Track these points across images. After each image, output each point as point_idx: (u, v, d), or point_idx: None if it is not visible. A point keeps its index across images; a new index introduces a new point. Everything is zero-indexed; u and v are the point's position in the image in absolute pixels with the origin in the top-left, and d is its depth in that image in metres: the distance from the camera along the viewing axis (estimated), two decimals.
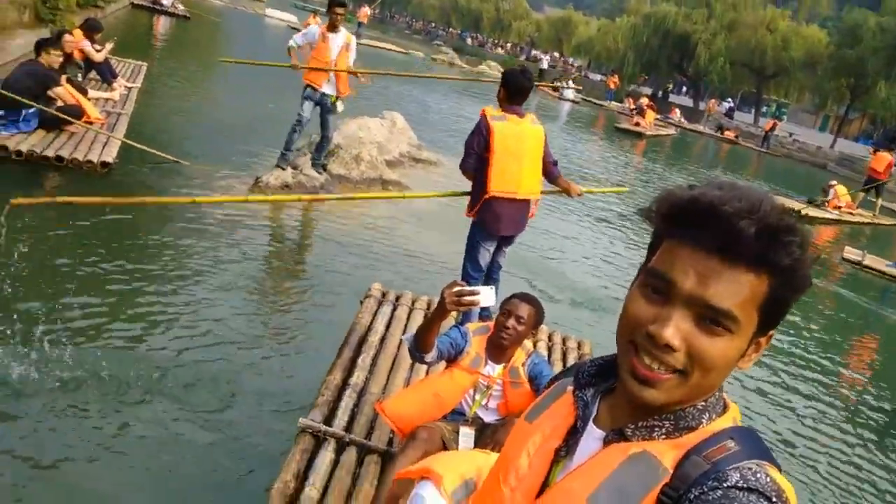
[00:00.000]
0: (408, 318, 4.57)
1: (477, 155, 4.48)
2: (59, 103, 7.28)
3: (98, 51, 9.52)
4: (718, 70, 39.70)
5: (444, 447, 2.81)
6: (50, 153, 6.66)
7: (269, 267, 6.06)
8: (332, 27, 7.62)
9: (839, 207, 16.39)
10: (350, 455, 3.08)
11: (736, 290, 0.91)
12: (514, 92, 4.54)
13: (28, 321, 3.98)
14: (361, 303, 4.63)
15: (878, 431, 5.82)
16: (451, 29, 76.87)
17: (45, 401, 3.50)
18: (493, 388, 3.07)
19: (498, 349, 3.08)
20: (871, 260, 11.68)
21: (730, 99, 42.60)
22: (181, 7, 25.42)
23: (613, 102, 36.20)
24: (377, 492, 2.80)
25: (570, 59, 59.75)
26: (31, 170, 6.49)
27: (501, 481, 1.11)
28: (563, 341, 4.70)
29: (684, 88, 49.83)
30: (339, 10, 7.64)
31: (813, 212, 15.69)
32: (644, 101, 30.29)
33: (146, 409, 3.65)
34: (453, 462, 2.09)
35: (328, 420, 3.26)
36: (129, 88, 9.89)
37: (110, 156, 6.98)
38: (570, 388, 1.13)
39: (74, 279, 4.73)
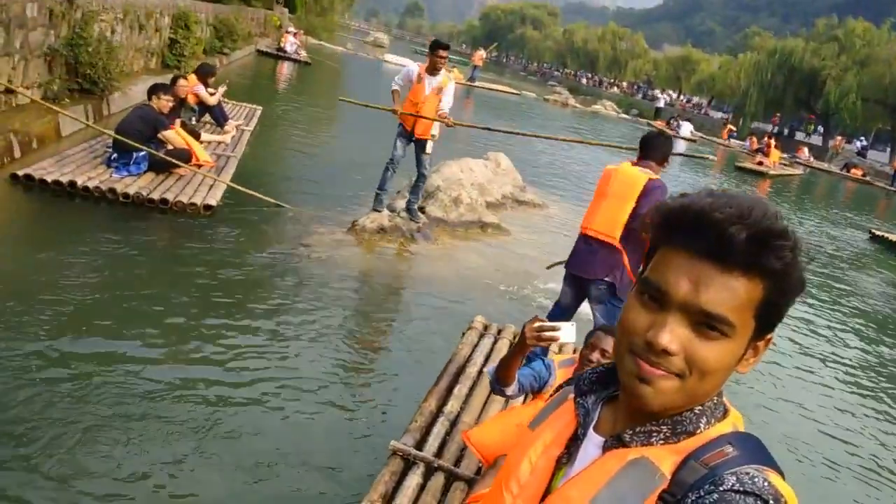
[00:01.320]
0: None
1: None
2: (169, 147, 7.54)
3: (211, 94, 9.89)
4: (849, 107, 37.52)
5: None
6: (156, 196, 6.86)
7: (370, 302, 6.09)
8: (432, 69, 7.50)
9: None
10: (438, 480, 3.14)
11: (730, 295, 0.92)
12: (644, 149, 4.42)
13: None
14: (463, 335, 4.77)
15: None
16: (566, 70, 76.82)
17: (133, 421, 3.62)
18: None
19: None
20: None
21: (862, 137, 40.08)
22: (304, 54, 26.54)
23: (734, 141, 34.77)
24: None
25: (688, 98, 58.24)
26: (136, 212, 6.70)
27: (504, 488, 1.13)
28: None
29: (814, 127, 47.42)
30: (442, 54, 7.42)
31: None
32: (770, 139, 28.92)
33: (243, 422, 3.85)
34: None
35: (419, 445, 3.35)
36: (242, 131, 10.21)
37: (214, 199, 7.13)
38: (572, 395, 1.14)
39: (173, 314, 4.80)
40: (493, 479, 2.56)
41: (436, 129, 7.62)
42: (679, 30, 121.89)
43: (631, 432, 1.00)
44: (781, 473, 0.94)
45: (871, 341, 8.34)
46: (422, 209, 8.28)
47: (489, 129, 9.94)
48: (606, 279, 4.27)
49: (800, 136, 42.99)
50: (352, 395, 4.45)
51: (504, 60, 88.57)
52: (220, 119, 9.98)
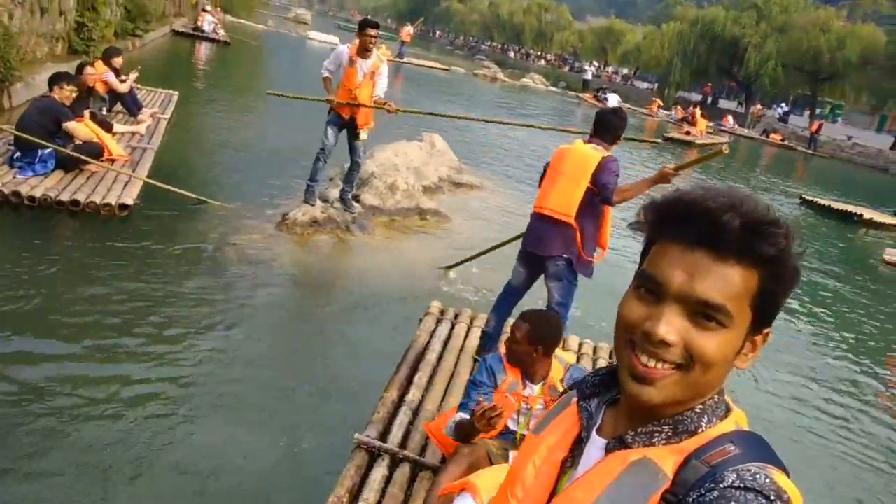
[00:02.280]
0: (466, 336, 4.68)
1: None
2: (78, 141, 6.91)
3: (122, 81, 9.20)
4: (770, 73, 38.42)
5: (491, 463, 2.79)
6: (65, 197, 6.26)
7: (308, 300, 5.76)
8: (363, 51, 7.04)
9: None
10: (403, 471, 3.16)
11: (725, 283, 0.92)
12: (599, 128, 4.37)
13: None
14: (420, 321, 4.79)
15: None
16: (493, 43, 76.61)
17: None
18: (534, 409, 3.06)
19: (520, 369, 3.10)
20: None
21: (783, 103, 41.16)
22: (222, 33, 25.43)
23: (661, 111, 35.14)
24: None
25: (616, 69, 58.78)
26: (44, 217, 6.11)
27: (509, 494, 1.13)
28: (610, 355, 4.80)
29: (736, 94, 48.42)
30: (372, 33, 6.94)
31: (879, 217, 14.87)
32: (696, 109, 29.32)
33: (204, 423, 3.78)
34: (490, 475, 2.22)
35: (383, 436, 3.37)
36: (158, 120, 9.56)
37: (130, 197, 6.56)
38: (575, 399, 1.14)
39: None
40: (457, 469, 2.75)
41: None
42: (601, 1, 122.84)
43: (633, 433, 0.99)
44: (786, 472, 0.93)
45: (815, 319, 8.36)
46: (356, 198, 7.87)
47: (441, 115, 9.34)
48: (564, 255, 4.28)
49: (724, 103, 43.88)
50: (305, 394, 4.31)
51: (430, 35, 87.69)
52: (132, 108, 9.29)
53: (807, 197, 16.33)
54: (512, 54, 68.49)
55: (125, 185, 6.86)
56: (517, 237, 5.08)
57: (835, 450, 5.13)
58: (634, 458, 0.97)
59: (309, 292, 5.90)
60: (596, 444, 1.05)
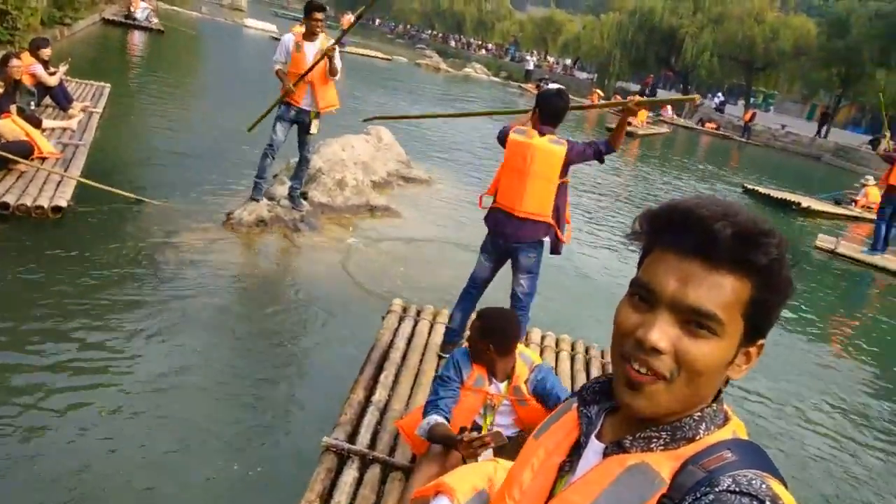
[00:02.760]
0: (429, 333, 4.67)
1: (501, 142, 4.41)
2: (4, 140, 6.48)
3: (51, 73, 8.70)
4: (706, 64, 39.14)
5: (464, 461, 2.72)
6: None
7: (256, 305, 5.44)
8: (310, 35, 6.76)
9: (869, 208, 15.68)
10: (374, 472, 3.14)
11: (717, 292, 0.93)
12: (547, 115, 4.27)
13: None
14: (383, 318, 4.74)
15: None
16: (433, 32, 76.31)
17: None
18: (499, 406, 3.07)
19: (484, 366, 3.08)
20: (844, 247, 11.47)
21: (720, 93, 42.02)
22: (155, 21, 24.53)
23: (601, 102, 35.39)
24: None
25: (556, 59, 59.14)
26: None
27: (507, 496, 1.14)
28: (586, 350, 4.88)
29: (673, 84, 49.22)
30: (318, 16, 6.73)
31: (817, 205, 15.28)
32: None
33: (169, 432, 3.65)
34: (465, 475, 2.17)
35: (352, 438, 3.34)
36: (90, 114, 9.09)
37: (64, 198, 6.18)
38: (576, 405, 1.14)
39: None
40: (429, 468, 2.74)
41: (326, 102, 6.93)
42: None
43: (631, 438, 0.99)
44: (783, 482, 0.93)
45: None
46: (304, 195, 7.60)
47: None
48: (541, 240, 4.36)
49: (662, 93, 44.54)
50: (265, 402, 4.18)
51: (370, 24, 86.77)
52: (63, 101, 8.80)
53: (748, 186, 16.64)
54: (453, 43, 68.23)
55: (57, 186, 6.47)
56: None
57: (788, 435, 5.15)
58: (632, 462, 0.98)
59: (258, 295, 5.63)
60: (594, 448, 1.06)
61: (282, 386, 4.39)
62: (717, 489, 0.88)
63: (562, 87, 4.60)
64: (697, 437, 0.98)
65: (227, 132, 10.43)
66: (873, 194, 15.78)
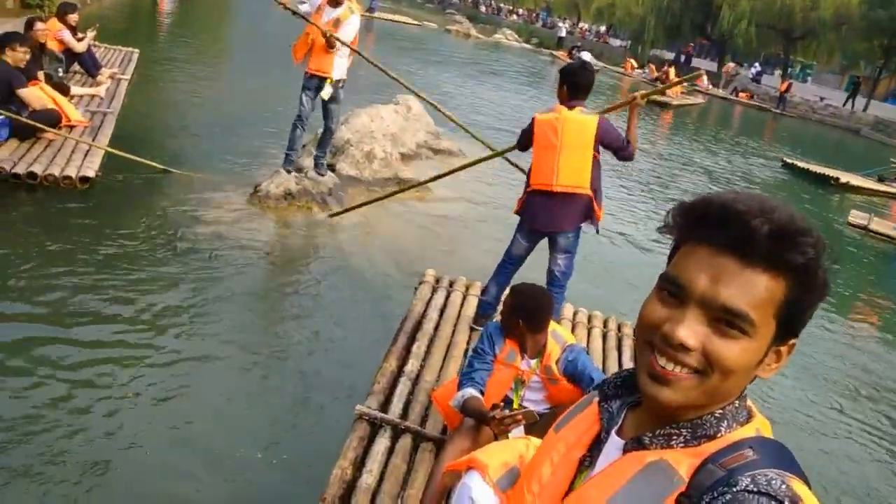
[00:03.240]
0: (462, 304, 4.65)
1: (523, 144, 4.40)
2: (33, 108, 6.44)
3: (79, 39, 8.63)
4: (743, 33, 38.09)
5: (496, 437, 2.72)
6: (20, 170, 5.83)
7: (287, 280, 5.45)
8: (335, 2, 6.55)
9: None
10: (405, 442, 3.17)
11: (750, 290, 0.90)
12: (574, 88, 4.22)
13: None
14: (415, 289, 4.76)
15: None
16: None
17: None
18: (529, 382, 3.08)
19: (516, 342, 3.07)
20: (877, 224, 11.21)
21: (756, 64, 40.97)
22: None
23: (636, 71, 34.72)
24: (428, 481, 2.80)
25: (589, 26, 58.03)
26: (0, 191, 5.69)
27: (526, 488, 1.14)
28: (619, 328, 4.79)
29: (708, 52, 48.10)
30: None
31: (857, 181, 14.88)
32: (670, 69, 29.02)
33: (200, 406, 3.67)
34: (497, 451, 2.16)
35: (384, 407, 3.37)
36: (119, 81, 9.03)
37: (92, 168, 6.14)
38: (597, 399, 1.13)
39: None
40: (462, 441, 2.77)
41: (341, 71, 6.73)
42: None
43: (651, 435, 0.98)
44: (806, 481, 0.90)
45: None
46: (332, 167, 7.48)
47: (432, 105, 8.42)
48: (581, 226, 4.30)
49: (696, 62, 43.60)
50: (313, 363, 4.30)
51: None
52: (91, 68, 8.75)
53: (787, 160, 16.28)
54: (483, 9, 67.25)
55: (86, 155, 6.43)
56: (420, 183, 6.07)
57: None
58: (651, 459, 0.96)
59: (285, 270, 5.58)
60: (614, 444, 1.04)
61: (311, 358, 4.37)
62: (734, 489, 0.86)
63: (586, 61, 4.58)
64: (718, 435, 0.95)
65: (256, 99, 10.36)
66: None
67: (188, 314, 4.52)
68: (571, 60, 33.25)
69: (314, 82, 6.67)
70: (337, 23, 6.53)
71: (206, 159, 7.40)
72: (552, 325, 3.12)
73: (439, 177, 6.32)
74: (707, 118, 25.60)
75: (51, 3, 12.05)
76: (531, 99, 18.81)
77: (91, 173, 6.07)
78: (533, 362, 3.08)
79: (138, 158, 6.59)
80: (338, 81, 6.70)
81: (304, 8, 6.68)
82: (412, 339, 4.08)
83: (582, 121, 4.14)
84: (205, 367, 4.01)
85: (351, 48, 6.56)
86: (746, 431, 0.96)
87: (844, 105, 33.14)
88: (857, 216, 11.42)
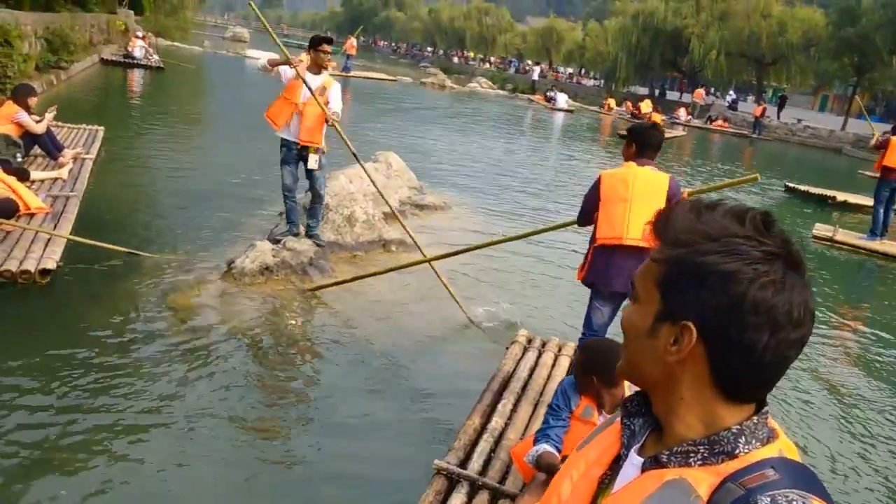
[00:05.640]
0: (553, 364, 4.63)
1: (587, 211, 4.21)
2: None
3: (37, 121, 8.22)
4: (713, 63, 38.47)
5: None
6: None
7: (286, 358, 4.81)
8: (316, 68, 6.33)
9: None
10: (482, 499, 3.14)
11: (642, 268, 1.01)
12: (643, 147, 4.13)
13: None
14: (507, 349, 4.77)
15: None
16: (436, 49, 76.24)
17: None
18: None
19: (592, 398, 3.03)
20: (842, 235, 11.13)
21: (732, 92, 41.32)
22: (155, 57, 24.31)
23: (615, 109, 34.80)
24: None
25: (560, 68, 58.68)
26: None
27: None
28: None
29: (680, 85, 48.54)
30: (326, 48, 6.41)
31: (854, 199, 15.01)
32: (647, 104, 29.12)
33: (284, 444, 3.82)
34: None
35: (463, 463, 3.36)
36: (83, 161, 8.60)
37: (52, 259, 5.63)
38: (620, 417, 1.12)
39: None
40: (534, 497, 2.77)
41: (323, 141, 6.51)
42: (539, 1, 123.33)
43: (668, 453, 0.96)
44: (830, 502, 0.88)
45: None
46: (309, 235, 7.04)
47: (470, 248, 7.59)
48: None
49: (671, 95, 43.97)
50: (396, 416, 4.39)
51: (372, 45, 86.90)
52: (52, 150, 8.31)
53: (790, 185, 16.59)
54: (456, 59, 68.09)
55: (46, 245, 5.93)
56: (415, 263, 5.85)
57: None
58: (670, 477, 0.94)
59: (276, 356, 5.05)
60: (633, 462, 1.02)
61: (406, 404, 4.49)
62: None
63: (656, 122, 4.43)
64: (738, 453, 0.93)
65: (228, 171, 9.95)
66: None
67: (164, 414, 4.01)
68: (547, 102, 33.37)
69: (296, 152, 6.36)
70: (323, 91, 6.34)
71: (177, 238, 6.94)
72: None
73: (468, 250, 6.10)
74: (689, 149, 25.48)
75: (12, 86, 11.71)
76: (511, 149, 18.61)
77: (52, 264, 5.56)
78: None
79: (103, 244, 6.12)
80: (319, 148, 6.43)
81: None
82: (499, 397, 4.07)
83: (655, 175, 4.07)
84: (205, 467, 3.50)
85: (331, 119, 6.27)
86: (769, 451, 0.93)
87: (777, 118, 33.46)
88: (821, 229, 11.40)
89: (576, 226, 4.49)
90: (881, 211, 11.06)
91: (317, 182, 6.59)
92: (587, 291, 4.35)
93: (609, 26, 44.00)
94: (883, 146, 10.87)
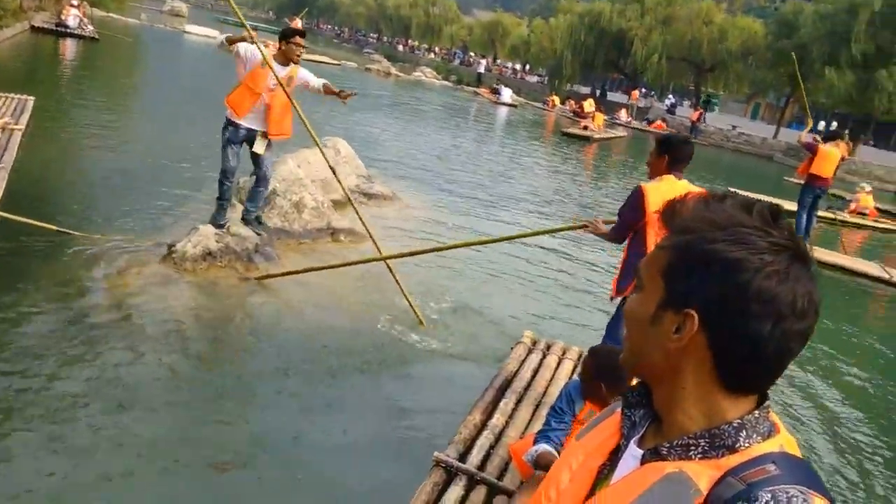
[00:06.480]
0: (556, 367, 4.65)
1: (628, 227, 4.04)
2: None
3: None
4: (654, 66, 39.17)
5: None
6: None
7: (225, 351, 4.53)
8: (284, 59, 6.01)
9: (863, 214, 15.56)
10: (479, 493, 3.15)
11: (648, 256, 1.01)
12: (677, 160, 4.03)
13: None
14: (512, 349, 4.81)
15: None
16: (380, 36, 75.59)
17: None
18: None
19: (597, 404, 2.99)
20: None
21: (671, 95, 42.16)
22: (90, 28, 23.30)
23: (559, 106, 35.04)
24: None
25: (504, 63, 58.88)
26: None
27: (543, 496, 1.11)
28: None
29: (621, 85, 49.32)
30: (300, 41, 6.09)
31: (851, 218, 14.99)
32: (589, 103, 29.42)
33: (278, 422, 3.88)
34: None
35: (463, 457, 3.38)
36: (11, 132, 8.08)
37: None
38: (620, 407, 1.12)
39: None
40: (529, 494, 2.78)
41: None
42: None
43: (668, 445, 0.95)
44: (831, 501, 0.87)
45: None
46: (259, 220, 6.74)
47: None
48: None
49: (612, 96, 44.59)
50: (399, 407, 4.45)
51: (315, 28, 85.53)
52: None
53: (732, 190, 16.49)
54: (401, 48, 67.58)
55: None
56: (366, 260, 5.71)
57: None
58: (669, 470, 0.93)
59: (213, 349, 4.78)
60: (633, 453, 1.01)
61: (408, 396, 4.46)
62: None
63: (687, 135, 4.32)
64: (738, 446, 0.91)
65: (169, 148, 9.52)
66: (865, 200, 15.66)
67: (85, 409, 3.73)
68: (493, 95, 33.42)
69: (242, 134, 6.03)
70: (290, 81, 6.08)
71: (113, 218, 6.56)
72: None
73: (455, 246, 6.17)
74: (628, 150, 25.83)
75: None
76: (469, 141, 18.50)
77: None
78: None
79: (32, 221, 5.72)
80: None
81: (218, 40, 6.22)
82: (500, 395, 4.09)
83: (692, 188, 3.88)
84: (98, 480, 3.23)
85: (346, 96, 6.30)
86: (769, 446, 0.93)
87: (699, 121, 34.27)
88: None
89: (575, 231, 4.37)
90: (804, 216, 11.27)
91: (264, 165, 6.28)
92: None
93: (556, 24, 44.27)
94: (810, 150, 11.07)
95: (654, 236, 3.84)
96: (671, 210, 0.99)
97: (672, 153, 4.01)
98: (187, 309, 5.17)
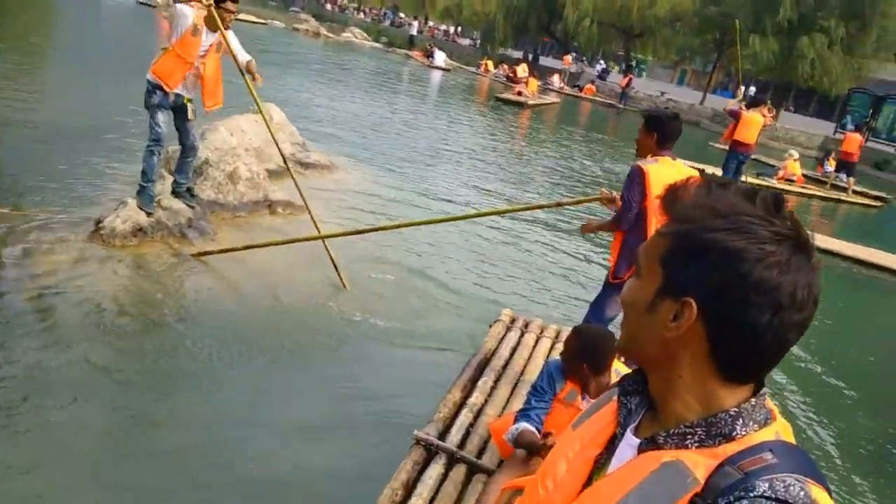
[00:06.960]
0: (534, 346, 4.64)
1: (636, 208, 3.94)
2: None
3: None
4: (586, 31, 39.26)
5: None
6: None
7: (156, 336, 4.17)
8: (213, 24, 5.52)
9: (790, 181, 15.97)
10: (459, 471, 3.17)
11: (647, 242, 1.00)
12: (666, 138, 3.98)
13: None
14: (490, 327, 4.77)
15: None
16: None
17: None
18: None
19: (577, 383, 2.99)
20: None
21: (602, 61, 42.43)
22: None
23: (492, 71, 34.85)
24: None
25: (441, 26, 58.14)
26: None
27: (540, 485, 1.11)
28: None
29: (553, 50, 49.37)
30: (231, 6, 5.61)
31: (779, 184, 15.31)
32: (523, 68, 29.35)
33: (230, 408, 3.74)
34: None
35: (442, 436, 3.39)
36: None
37: None
38: (616, 395, 1.11)
39: None
40: (511, 471, 2.82)
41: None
42: None
43: (665, 434, 0.95)
44: (827, 489, 0.87)
45: None
46: (191, 192, 6.40)
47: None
48: None
49: (544, 61, 44.61)
50: (376, 386, 4.41)
51: None
52: None
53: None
54: (329, 6, 65.87)
55: None
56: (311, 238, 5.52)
57: None
58: (666, 459, 0.92)
59: (143, 333, 4.50)
60: (629, 442, 1.02)
61: (386, 375, 4.31)
62: (751, 494, 0.82)
63: (676, 111, 4.32)
64: (735, 435, 0.91)
65: (90, 115, 8.97)
66: (793, 167, 16.07)
67: (21, 391, 3.44)
68: (426, 58, 32.92)
69: (173, 98, 5.63)
70: (219, 47, 5.72)
71: (33, 191, 6.13)
72: (615, 363, 2.98)
73: (448, 219, 6.29)
74: (561, 116, 25.92)
75: None
76: (402, 109, 18.16)
77: None
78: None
79: None
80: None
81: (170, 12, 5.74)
82: (479, 373, 4.08)
83: (690, 171, 3.91)
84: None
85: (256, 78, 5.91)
86: (766, 434, 0.91)
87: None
88: None
89: (555, 208, 4.28)
90: None
91: (191, 133, 5.93)
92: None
93: None
94: (734, 116, 11.26)
95: (655, 222, 3.81)
96: (672, 196, 0.97)
97: (660, 130, 3.96)
98: (118, 289, 4.86)
